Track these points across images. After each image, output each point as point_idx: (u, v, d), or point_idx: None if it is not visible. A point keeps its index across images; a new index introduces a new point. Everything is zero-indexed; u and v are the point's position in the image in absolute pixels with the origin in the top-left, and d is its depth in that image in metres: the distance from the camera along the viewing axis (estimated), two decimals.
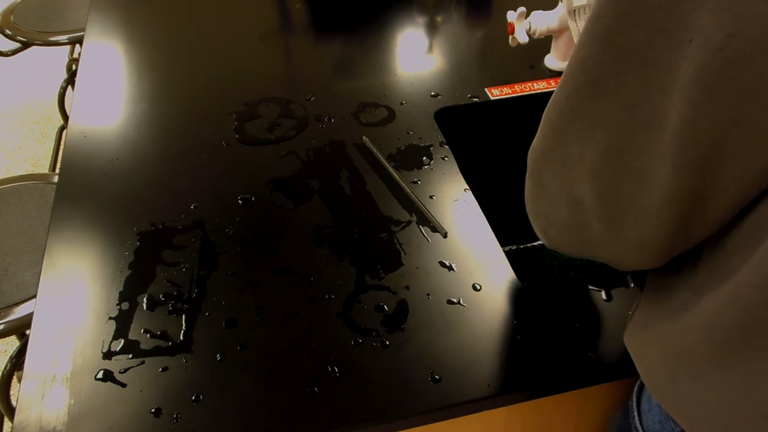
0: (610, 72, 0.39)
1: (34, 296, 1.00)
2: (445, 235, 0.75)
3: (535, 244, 1.11)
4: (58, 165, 1.55)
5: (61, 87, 2.02)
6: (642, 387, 0.58)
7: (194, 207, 0.79)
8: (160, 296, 0.69)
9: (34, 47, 1.83)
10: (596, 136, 0.41)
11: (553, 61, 1.02)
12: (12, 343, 1.66)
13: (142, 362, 0.63)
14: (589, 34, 0.39)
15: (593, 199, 0.44)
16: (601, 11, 0.38)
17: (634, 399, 0.59)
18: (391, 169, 0.83)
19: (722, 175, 0.36)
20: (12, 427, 0.58)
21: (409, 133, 0.90)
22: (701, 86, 0.34)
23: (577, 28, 0.91)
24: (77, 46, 1.98)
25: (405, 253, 0.73)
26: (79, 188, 0.82)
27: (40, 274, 0.72)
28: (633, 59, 0.37)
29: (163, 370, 0.62)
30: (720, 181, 0.37)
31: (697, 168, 0.36)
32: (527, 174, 0.51)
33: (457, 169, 0.83)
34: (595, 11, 0.38)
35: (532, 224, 0.54)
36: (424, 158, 0.85)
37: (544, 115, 0.46)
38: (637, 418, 0.58)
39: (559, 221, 0.50)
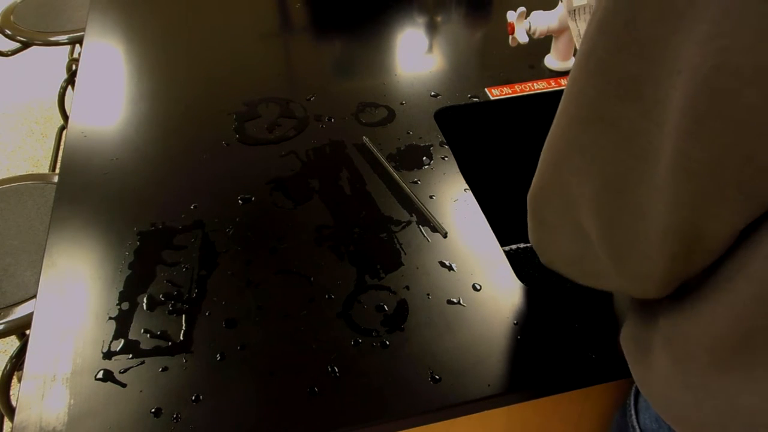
0: (604, 106, 0.38)
1: (34, 296, 1.00)
2: (445, 235, 0.75)
3: None
4: (58, 165, 1.55)
5: (61, 87, 2.02)
6: None
7: (194, 207, 0.79)
8: (160, 296, 0.69)
9: (34, 47, 1.83)
10: (593, 170, 0.41)
11: (553, 61, 1.02)
12: (12, 343, 1.66)
13: (142, 362, 0.63)
14: (582, 69, 0.39)
15: (597, 233, 0.44)
16: (594, 45, 0.37)
17: (632, 398, 0.59)
18: (391, 169, 0.83)
19: (721, 205, 0.36)
20: (12, 427, 0.58)
21: (409, 133, 0.90)
22: (692, 118, 0.33)
23: (577, 28, 0.91)
24: (77, 46, 1.98)
25: (405, 253, 0.73)
26: (79, 188, 0.82)
27: (40, 274, 0.72)
28: (628, 92, 0.37)
29: (163, 370, 0.62)
30: (719, 211, 0.36)
31: (695, 200, 0.36)
32: (528, 214, 0.51)
33: (457, 169, 0.83)
34: (587, 45, 0.38)
35: (540, 257, 0.53)
36: (424, 158, 0.85)
37: (541, 154, 0.46)
38: (633, 417, 0.58)
39: (564, 256, 0.49)
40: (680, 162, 0.35)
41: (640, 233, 0.40)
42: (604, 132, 0.39)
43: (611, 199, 0.41)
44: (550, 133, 0.44)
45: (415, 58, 1.06)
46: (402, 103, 0.95)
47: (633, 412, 0.59)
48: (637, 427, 0.57)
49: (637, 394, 0.59)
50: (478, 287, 0.69)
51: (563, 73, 1.01)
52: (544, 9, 0.96)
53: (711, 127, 0.33)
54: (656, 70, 0.35)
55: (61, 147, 2.19)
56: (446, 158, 0.85)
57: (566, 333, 0.64)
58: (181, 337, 0.65)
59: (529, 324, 0.65)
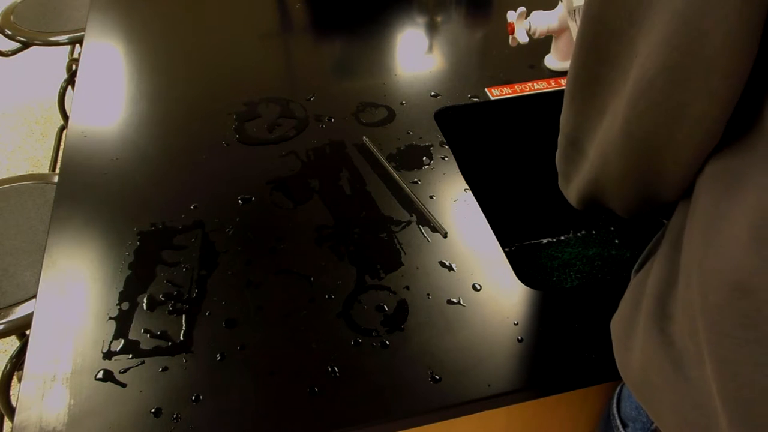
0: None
1: (34, 296, 1.00)
2: (445, 235, 0.75)
3: (535, 243, 1.11)
4: (58, 165, 1.55)
5: (61, 87, 2.02)
6: None
7: (194, 207, 0.79)
8: (160, 296, 0.69)
9: (34, 47, 1.83)
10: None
11: (553, 61, 1.02)
12: (12, 343, 1.66)
13: (142, 362, 0.63)
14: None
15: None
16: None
17: (618, 388, 0.60)
18: (391, 169, 0.83)
19: (662, 160, 0.43)
20: (12, 427, 0.58)
21: (409, 133, 0.90)
22: (634, 94, 0.41)
23: (578, 28, 0.91)
24: (77, 46, 1.98)
25: (405, 253, 0.73)
26: (79, 188, 0.82)
27: (40, 274, 0.72)
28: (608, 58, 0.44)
29: (163, 370, 0.62)
30: (661, 163, 0.44)
31: (640, 154, 0.44)
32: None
33: (457, 169, 0.83)
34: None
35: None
36: (424, 158, 0.85)
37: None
38: (615, 405, 0.60)
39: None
40: (624, 126, 0.44)
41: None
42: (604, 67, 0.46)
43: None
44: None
45: (415, 58, 1.06)
46: (402, 103, 0.95)
47: (615, 401, 0.61)
48: (616, 415, 0.59)
49: (622, 384, 0.60)
50: (478, 287, 0.69)
51: (563, 73, 1.01)
52: (544, 9, 0.96)
53: (641, 108, 0.42)
54: (628, 48, 0.42)
55: (61, 147, 2.19)
56: (446, 158, 0.85)
57: (566, 333, 0.64)
58: (181, 337, 0.65)
59: (529, 324, 0.65)
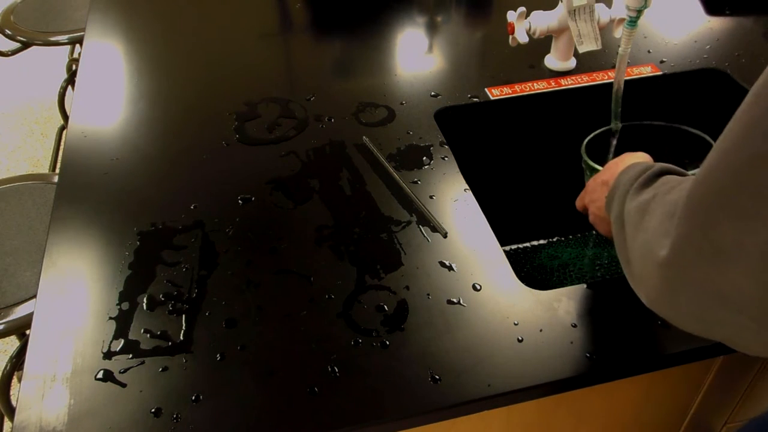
0: None
1: (34, 296, 1.00)
2: (445, 235, 0.75)
3: (535, 243, 1.11)
4: (58, 165, 1.55)
5: (61, 87, 2.02)
6: None
7: (194, 207, 0.79)
8: (160, 296, 0.69)
9: (34, 47, 1.83)
10: (764, 218, 0.36)
11: (553, 61, 1.02)
12: (12, 343, 1.66)
13: (142, 362, 0.63)
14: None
15: (753, 294, 0.38)
16: None
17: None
18: (391, 169, 0.83)
19: None
20: (12, 427, 0.58)
21: (409, 133, 0.90)
22: None
23: (577, 28, 0.91)
24: (77, 46, 1.98)
25: (405, 253, 0.73)
26: (79, 188, 0.82)
27: (40, 274, 0.72)
28: None
29: (163, 370, 0.62)
30: None
31: None
32: (659, 281, 0.45)
33: (457, 169, 0.83)
34: None
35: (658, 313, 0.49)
36: (424, 158, 0.85)
37: (682, 207, 0.42)
38: None
39: (691, 317, 0.44)
40: None
41: None
42: None
43: None
44: (700, 177, 0.40)
45: (415, 58, 1.06)
46: (402, 103, 0.95)
47: None
48: None
49: None
50: (478, 287, 0.69)
51: (563, 73, 1.01)
52: (544, 9, 0.96)
53: None
54: None
55: (61, 147, 2.19)
56: (446, 158, 0.85)
57: (566, 333, 0.64)
58: (181, 337, 0.65)
59: (528, 324, 0.65)
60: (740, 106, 0.37)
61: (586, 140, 0.83)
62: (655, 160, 0.64)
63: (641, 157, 0.65)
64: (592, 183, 0.68)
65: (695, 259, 0.40)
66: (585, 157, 0.80)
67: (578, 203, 0.72)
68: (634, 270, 0.48)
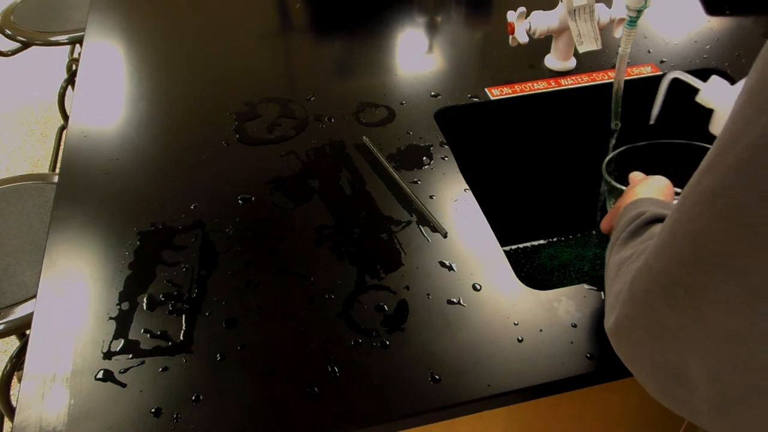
0: (730, 252, 0.35)
1: (34, 296, 1.00)
2: (445, 235, 0.75)
3: (535, 243, 1.11)
4: (58, 165, 1.55)
5: (61, 87, 2.02)
6: None
7: (194, 207, 0.79)
8: (160, 296, 0.69)
9: (34, 47, 1.83)
10: (703, 311, 0.37)
11: (553, 61, 1.02)
12: (12, 343, 1.66)
13: (142, 362, 0.63)
14: (707, 206, 0.35)
15: (701, 379, 0.39)
16: (728, 185, 0.34)
17: None
18: (391, 169, 0.83)
19: None
20: (12, 427, 0.58)
21: (409, 133, 0.90)
22: None
23: (577, 28, 0.91)
24: (77, 46, 1.98)
25: (405, 253, 0.73)
26: (79, 188, 0.82)
27: (40, 274, 0.72)
28: (765, 243, 0.33)
29: (163, 370, 0.62)
30: None
31: None
32: (612, 342, 0.48)
33: (457, 169, 0.83)
34: (717, 184, 0.35)
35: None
36: (424, 158, 0.85)
37: (628, 285, 0.43)
38: None
39: (646, 378, 0.45)
40: None
41: (753, 397, 0.37)
42: (725, 281, 0.35)
43: (725, 350, 0.37)
44: (643, 263, 0.41)
45: (415, 58, 1.06)
46: (402, 103, 0.95)
47: None
48: None
49: None
50: (478, 287, 0.69)
51: (563, 73, 1.01)
52: (544, 9, 0.96)
53: None
54: None
55: (61, 147, 2.19)
56: (446, 158, 0.85)
57: (566, 333, 0.64)
58: (181, 337, 0.65)
59: (528, 324, 0.65)
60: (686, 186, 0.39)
61: (606, 159, 0.80)
62: (674, 177, 0.64)
63: (658, 182, 0.64)
64: (618, 206, 0.66)
65: (644, 337, 0.42)
66: (606, 177, 0.77)
67: (604, 226, 0.70)
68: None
